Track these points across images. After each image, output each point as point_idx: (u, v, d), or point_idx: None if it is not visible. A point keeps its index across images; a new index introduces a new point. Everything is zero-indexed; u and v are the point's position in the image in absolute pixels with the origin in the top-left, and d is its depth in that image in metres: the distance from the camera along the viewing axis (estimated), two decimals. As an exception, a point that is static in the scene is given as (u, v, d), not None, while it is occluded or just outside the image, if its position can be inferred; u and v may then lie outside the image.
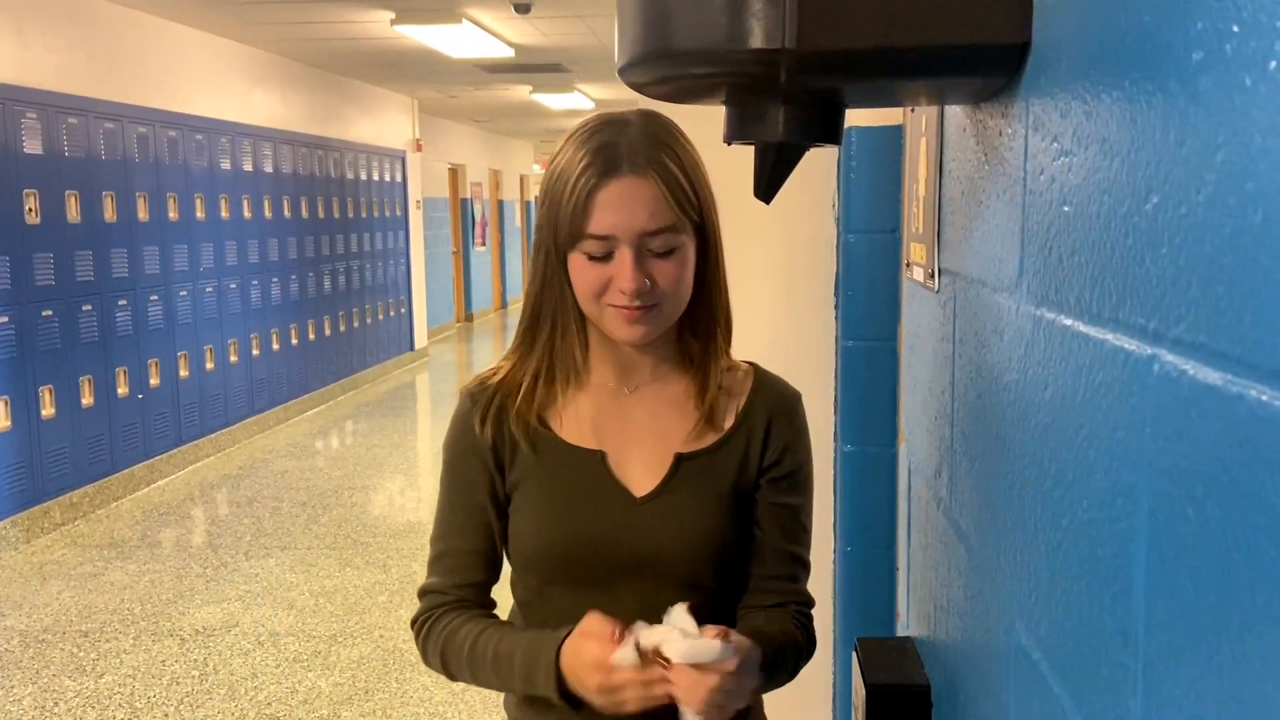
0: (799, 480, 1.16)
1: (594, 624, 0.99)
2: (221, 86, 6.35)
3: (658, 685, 0.95)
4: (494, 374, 1.14)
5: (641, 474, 1.11)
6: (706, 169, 1.10)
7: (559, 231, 1.06)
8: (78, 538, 4.49)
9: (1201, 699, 0.44)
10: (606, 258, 1.05)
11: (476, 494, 1.12)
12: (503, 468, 1.11)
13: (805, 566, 1.17)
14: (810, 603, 1.17)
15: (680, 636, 0.94)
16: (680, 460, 1.11)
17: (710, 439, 1.13)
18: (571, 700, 1.01)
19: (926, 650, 1.09)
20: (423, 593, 1.16)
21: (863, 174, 1.59)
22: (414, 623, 1.17)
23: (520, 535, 1.11)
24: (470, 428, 1.11)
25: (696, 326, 1.13)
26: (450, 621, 1.12)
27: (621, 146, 1.04)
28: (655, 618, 0.98)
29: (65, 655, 3.20)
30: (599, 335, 1.11)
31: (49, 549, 4.32)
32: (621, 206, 1.03)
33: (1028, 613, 0.71)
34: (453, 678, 1.15)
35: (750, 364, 1.19)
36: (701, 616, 0.99)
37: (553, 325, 1.11)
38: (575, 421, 1.12)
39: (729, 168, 1.31)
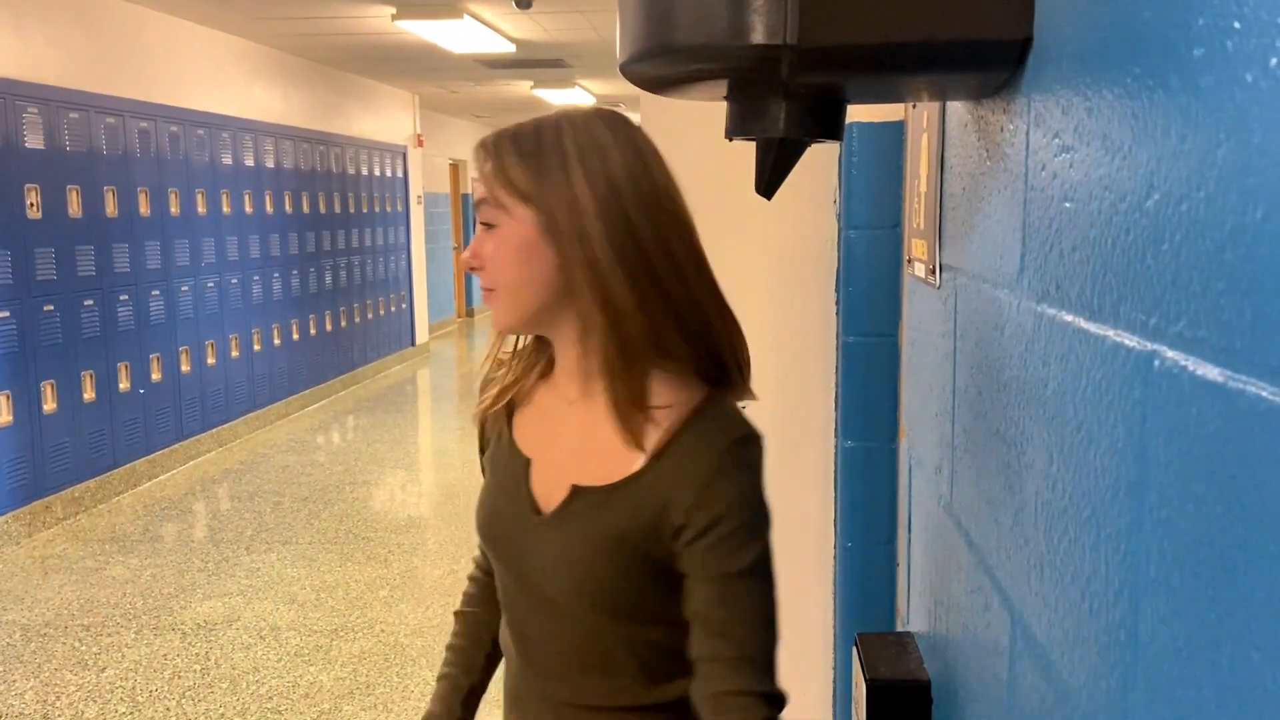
0: (723, 539, 0.93)
1: None
2: (223, 81, 6.34)
3: None
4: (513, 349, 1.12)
5: (552, 492, 1.01)
6: (629, 175, 0.95)
7: None
8: (79, 532, 4.48)
9: (1201, 695, 0.44)
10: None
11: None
12: (485, 448, 1.11)
13: (746, 650, 0.93)
14: (770, 698, 0.92)
15: None
16: (575, 492, 0.99)
17: (617, 475, 0.98)
18: None
19: (927, 646, 1.09)
20: None
21: (864, 170, 1.58)
22: None
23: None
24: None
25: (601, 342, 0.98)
26: (466, 591, 1.20)
27: (509, 126, 1.02)
28: (558, 629, 0.99)
29: (67, 649, 3.21)
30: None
31: (51, 543, 4.32)
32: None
33: (1028, 608, 0.71)
34: None
35: (707, 397, 0.99)
36: (597, 650, 0.98)
37: None
38: (529, 422, 1.06)
39: (730, 163, 1.31)
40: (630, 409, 0.97)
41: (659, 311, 0.96)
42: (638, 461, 0.97)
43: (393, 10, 5.64)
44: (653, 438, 0.97)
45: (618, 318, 0.96)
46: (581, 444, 1.01)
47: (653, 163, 0.96)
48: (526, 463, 1.04)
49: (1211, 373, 0.43)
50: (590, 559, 0.96)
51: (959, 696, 0.93)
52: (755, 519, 0.95)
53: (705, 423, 0.97)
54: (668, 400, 0.98)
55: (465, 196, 13.05)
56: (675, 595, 0.95)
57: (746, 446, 0.98)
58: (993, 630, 0.80)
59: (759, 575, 0.94)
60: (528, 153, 0.98)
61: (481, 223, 1.01)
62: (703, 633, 0.94)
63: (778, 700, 0.92)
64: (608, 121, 0.97)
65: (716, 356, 0.99)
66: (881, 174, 1.56)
